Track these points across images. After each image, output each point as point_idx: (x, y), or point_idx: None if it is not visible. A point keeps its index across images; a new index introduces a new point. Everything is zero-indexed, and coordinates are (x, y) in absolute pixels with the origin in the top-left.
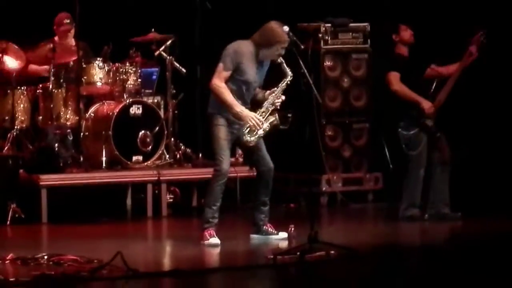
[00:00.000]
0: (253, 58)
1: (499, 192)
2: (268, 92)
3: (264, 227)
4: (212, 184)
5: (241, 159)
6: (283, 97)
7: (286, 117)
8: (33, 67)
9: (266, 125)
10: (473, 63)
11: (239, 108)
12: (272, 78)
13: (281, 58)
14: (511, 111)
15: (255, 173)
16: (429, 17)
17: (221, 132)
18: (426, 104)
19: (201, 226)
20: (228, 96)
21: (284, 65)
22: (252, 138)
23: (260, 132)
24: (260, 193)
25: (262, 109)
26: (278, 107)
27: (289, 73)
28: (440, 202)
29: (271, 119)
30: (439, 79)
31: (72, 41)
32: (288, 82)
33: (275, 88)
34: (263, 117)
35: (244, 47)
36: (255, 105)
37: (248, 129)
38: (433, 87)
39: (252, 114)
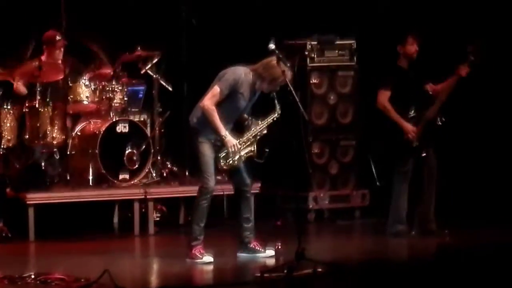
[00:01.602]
0: (249, 89)
1: (486, 205)
2: (254, 121)
3: (250, 245)
4: (199, 201)
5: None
6: (265, 132)
7: (263, 152)
8: (16, 85)
9: (242, 154)
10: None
11: (224, 132)
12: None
13: (274, 93)
14: (500, 124)
15: None
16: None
17: (205, 149)
18: (408, 127)
19: (188, 244)
20: (216, 120)
21: (276, 101)
22: (226, 163)
23: (235, 159)
24: (242, 210)
25: (244, 139)
26: (257, 140)
27: (278, 110)
28: (426, 218)
29: (248, 149)
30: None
31: (60, 59)
32: (275, 118)
33: (260, 121)
34: (242, 147)
35: (244, 77)
36: (239, 130)
37: (225, 154)
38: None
39: (234, 141)
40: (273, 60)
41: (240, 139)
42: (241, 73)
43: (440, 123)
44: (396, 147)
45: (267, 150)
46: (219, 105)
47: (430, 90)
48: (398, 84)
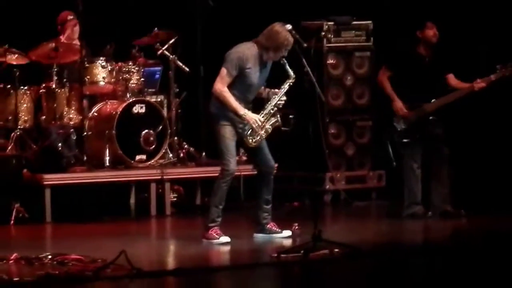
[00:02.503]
0: (257, 61)
1: (502, 189)
2: (271, 92)
3: (268, 226)
4: (219, 183)
5: (244, 158)
6: (285, 98)
7: (288, 119)
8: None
9: (268, 127)
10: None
11: (242, 111)
12: (274, 77)
13: (284, 59)
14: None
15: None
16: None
17: (226, 131)
18: (397, 104)
19: (206, 225)
20: (231, 100)
21: (287, 66)
22: (254, 140)
23: (262, 133)
24: (262, 192)
25: (265, 111)
26: (280, 108)
27: (292, 74)
28: (442, 199)
29: (273, 120)
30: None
31: (77, 40)
32: (291, 83)
33: (278, 90)
34: (266, 119)
35: (248, 51)
36: (259, 103)
37: (250, 130)
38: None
39: (255, 116)
40: (273, 27)
41: (262, 111)
42: (243, 48)
43: (431, 118)
44: (393, 132)
45: (291, 116)
46: (232, 87)
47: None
48: (413, 71)
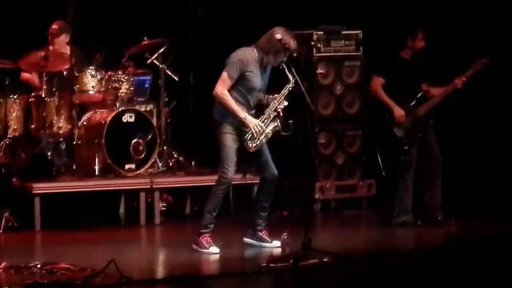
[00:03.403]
0: (257, 65)
1: (492, 196)
2: (270, 97)
3: (259, 233)
4: (216, 190)
5: (249, 176)
6: (286, 103)
7: (288, 124)
8: (25, 75)
9: (268, 131)
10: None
11: (243, 114)
12: (274, 81)
13: (283, 64)
14: (506, 116)
15: (248, 180)
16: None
17: (228, 140)
18: (398, 112)
19: (197, 231)
20: (231, 103)
21: (287, 71)
22: (254, 144)
23: (262, 138)
24: (261, 198)
25: (265, 116)
26: (281, 113)
27: (291, 79)
28: (433, 207)
29: (273, 125)
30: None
31: (66, 49)
32: (290, 88)
33: (277, 95)
34: (265, 124)
35: (249, 55)
36: (259, 109)
37: (251, 135)
38: (418, 95)
39: (255, 121)
40: (274, 31)
41: (262, 116)
42: (244, 52)
43: (406, 147)
44: (389, 141)
45: (291, 121)
46: (233, 91)
47: (425, 90)
48: (399, 74)
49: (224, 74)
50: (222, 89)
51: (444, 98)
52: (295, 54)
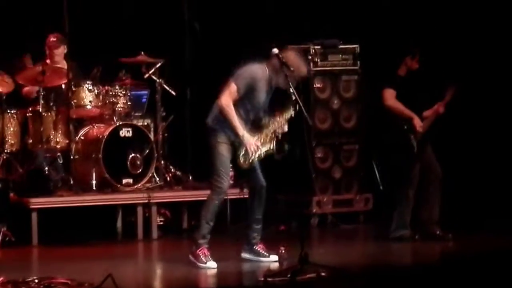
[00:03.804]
0: (266, 84)
1: (490, 211)
2: (272, 118)
3: (255, 247)
4: (211, 200)
5: (231, 182)
6: (286, 128)
7: (283, 149)
8: (26, 88)
9: (261, 152)
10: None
11: (241, 131)
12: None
13: (292, 88)
14: (507, 130)
15: (245, 195)
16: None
17: (223, 149)
18: (418, 122)
19: (195, 241)
20: (234, 118)
21: (293, 95)
22: (246, 162)
23: (254, 157)
24: (253, 211)
25: (262, 135)
26: (279, 137)
27: (296, 105)
28: (430, 221)
29: (268, 146)
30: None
31: (63, 63)
32: (293, 114)
33: (279, 118)
34: (261, 143)
35: (261, 73)
36: (257, 127)
37: (245, 151)
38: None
39: (252, 140)
40: (289, 53)
41: (259, 135)
42: (257, 69)
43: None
44: (403, 153)
45: (286, 146)
46: (237, 104)
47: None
48: (402, 88)
49: (233, 87)
50: (228, 101)
51: (430, 124)
52: (304, 78)
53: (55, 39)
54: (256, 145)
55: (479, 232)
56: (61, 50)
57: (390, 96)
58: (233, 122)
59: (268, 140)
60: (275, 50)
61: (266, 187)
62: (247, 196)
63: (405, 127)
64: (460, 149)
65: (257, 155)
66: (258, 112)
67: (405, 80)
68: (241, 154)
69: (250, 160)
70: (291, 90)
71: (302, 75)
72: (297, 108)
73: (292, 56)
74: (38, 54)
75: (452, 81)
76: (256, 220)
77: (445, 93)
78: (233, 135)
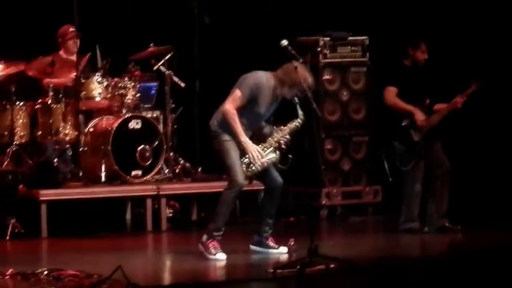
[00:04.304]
0: (270, 93)
1: (498, 204)
2: (276, 128)
3: (266, 240)
4: (227, 194)
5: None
6: (289, 138)
7: (287, 158)
8: (52, 80)
9: (264, 161)
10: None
11: (244, 138)
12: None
13: (296, 98)
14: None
15: (254, 187)
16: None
17: (230, 145)
18: (420, 116)
19: (209, 231)
20: (237, 124)
21: (299, 106)
22: (249, 171)
23: (258, 166)
24: (267, 205)
25: (266, 144)
26: (283, 146)
27: (302, 116)
28: (439, 214)
29: (272, 155)
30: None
31: (74, 56)
32: (298, 125)
33: (284, 127)
34: (265, 152)
35: (266, 81)
36: (259, 137)
37: (247, 159)
38: (427, 102)
39: (255, 147)
40: (294, 65)
41: (262, 144)
42: (262, 76)
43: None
44: (403, 146)
45: (290, 156)
46: (240, 110)
47: (431, 100)
48: (406, 81)
49: (237, 94)
50: (232, 107)
51: (443, 116)
52: (310, 91)
53: (74, 29)
54: (259, 152)
55: (489, 225)
56: (77, 42)
57: (390, 95)
58: (236, 129)
59: (271, 149)
60: (284, 42)
61: None
62: (255, 188)
63: (406, 123)
64: (472, 142)
65: (260, 164)
66: (260, 121)
67: (409, 70)
68: (244, 162)
69: (253, 169)
70: (301, 106)
71: (308, 86)
72: (306, 100)
73: (301, 69)
74: (48, 49)
75: (477, 75)
76: (269, 215)
77: (468, 87)
78: (236, 140)
